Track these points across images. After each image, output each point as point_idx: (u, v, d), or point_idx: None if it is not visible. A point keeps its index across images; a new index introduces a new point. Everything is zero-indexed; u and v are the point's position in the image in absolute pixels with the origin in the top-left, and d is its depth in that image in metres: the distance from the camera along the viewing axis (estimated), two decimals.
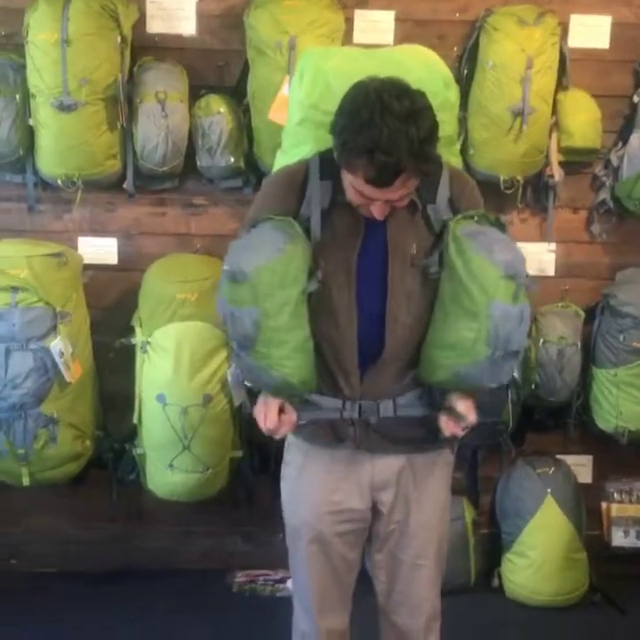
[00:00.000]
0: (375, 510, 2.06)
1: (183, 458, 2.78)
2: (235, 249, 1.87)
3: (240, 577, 3.19)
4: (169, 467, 2.79)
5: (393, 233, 1.92)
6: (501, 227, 1.89)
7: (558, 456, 3.24)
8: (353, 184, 1.81)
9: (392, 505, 2.04)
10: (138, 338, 2.82)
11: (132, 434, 2.90)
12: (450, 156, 2.04)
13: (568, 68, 2.97)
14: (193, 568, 3.21)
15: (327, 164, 1.90)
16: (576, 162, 3.09)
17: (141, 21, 2.90)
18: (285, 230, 1.85)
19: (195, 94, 2.89)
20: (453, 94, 2.08)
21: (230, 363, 2.72)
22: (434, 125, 1.76)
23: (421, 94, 1.78)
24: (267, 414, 1.91)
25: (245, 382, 1.96)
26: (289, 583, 3.04)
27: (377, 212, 1.84)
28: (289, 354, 1.86)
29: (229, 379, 2.73)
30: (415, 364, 1.98)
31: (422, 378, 1.97)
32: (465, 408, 1.92)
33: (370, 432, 1.99)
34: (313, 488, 2.05)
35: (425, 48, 2.14)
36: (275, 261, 1.81)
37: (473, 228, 1.87)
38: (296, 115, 2.09)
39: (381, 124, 1.70)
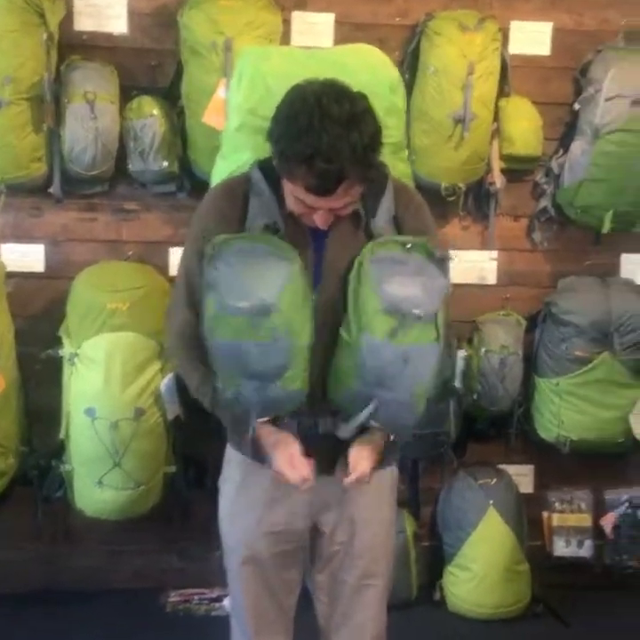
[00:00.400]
0: (316, 530, 1.98)
1: (113, 474, 2.66)
2: (233, 282, 1.73)
3: (174, 596, 3.07)
4: (98, 484, 2.67)
5: (330, 246, 1.83)
6: (438, 262, 1.78)
7: (500, 466, 3.21)
8: (294, 193, 1.72)
9: (335, 526, 1.97)
10: (65, 349, 2.69)
11: (59, 449, 2.77)
12: (398, 162, 1.98)
13: (509, 74, 2.94)
14: (124, 588, 3.08)
15: (269, 174, 1.81)
16: (517, 169, 3.05)
17: (69, 18, 2.78)
18: (271, 245, 1.75)
19: (126, 95, 2.78)
20: (400, 98, 2.01)
21: (164, 374, 2.66)
22: (377, 130, 1.68)
23: (363, 97, 1.69)
24: (298, 465, 1.80)
25: (258, 418, 1.82)
26: (226, 602, 2.95)
27: (320, 221, 1.75)
28: (308, 369, 1.79)
29: (163, 391, 2.67)
30: None
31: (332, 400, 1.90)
32: (355, 458, 1.83)
33: (310, 452, 1.91)
34: (250, 507, 1.97)
35: (372, 48, 2.06)
36: (290, 282, 1.72)
37: (392, 254, 1.77)
38: (234, 120, 2.00)
39: (320, 130, 1.61)
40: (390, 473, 2.05)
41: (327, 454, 1.90)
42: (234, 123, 2.01)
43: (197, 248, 1.80)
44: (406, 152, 2.13)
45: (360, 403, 1.80)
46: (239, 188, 1.85)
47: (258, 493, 1.95)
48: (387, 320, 1.73)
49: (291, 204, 1.76)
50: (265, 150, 1.86)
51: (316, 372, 1.83)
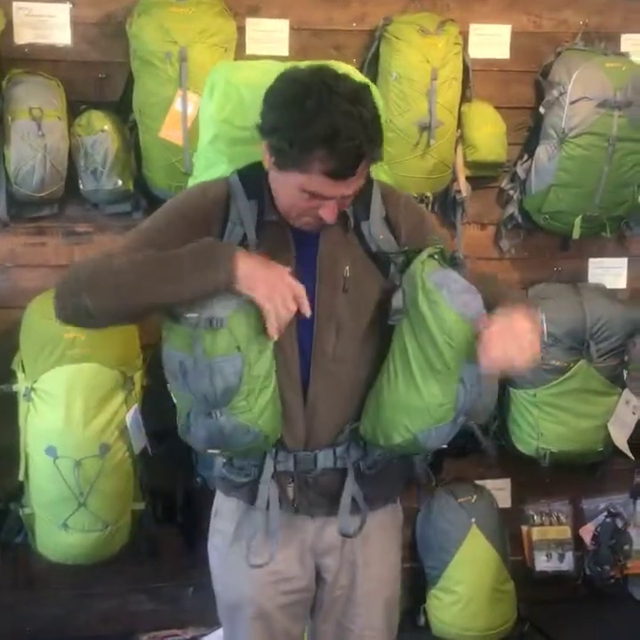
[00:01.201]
0: (319, 577, 1.86)
1: (79, 516, 2.49)
2: None
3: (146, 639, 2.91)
4: (63, 527, 2.49)
5: (323, 252, 1.73)
6: (458, 267, 1.68)
7: (477, 481, 3.12)
8: (305, 186, 1.61)
9: (337, 571, 1.84)
10: (20, 384, 2.51)
11: (18, 492, 2.57)
12: (380, 172, 1.89)
13: (471, 78, 2.86)
14: (92, 635, 2.92)
15: (249, 182, 1.72)
16: (482, 176, 2.98)
17: (8, 30, 2.60)
18: None
19: (74, 111, 2.61)
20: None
21: (128, 405, 2.50)
22: (376, 104, 1.64)
23: (352, 74, 1.68)
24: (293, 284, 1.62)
25: (209, 450, 1.70)
26: None
27: (329, 214, 1.65)
28: (267, 404, 1.66)
29: (129, 423, 2.51)
30: (354, 412, 1.78)
31: (370, 439, 1.76)
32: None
33: (309, 492, 1.78)
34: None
35: (342, 64, 1.94)
36: (249, 303, 1.59)
37: (439, 273, 1.65)
38: (207, 133, 1.91)
39: (333, 109, 1.54)
40: (394, 512, 1.94)
41: (328, 492, 1.78)
42: (206, 136, 1.93)
43: (173, 227, 1.69)
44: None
45: (448, 434, 1.68)
46: (220, 192, 1.75)
47: (258, 544, 1.79)
48: (474, 343, 1.60)
49: (292, 202, 1.66)
50: (241, 161, 1.81)
51: (318, 402, 1.72)
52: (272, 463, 1.76)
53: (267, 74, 1.82)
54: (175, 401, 1.75)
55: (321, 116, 1.54)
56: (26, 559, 2.75)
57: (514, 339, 1.55)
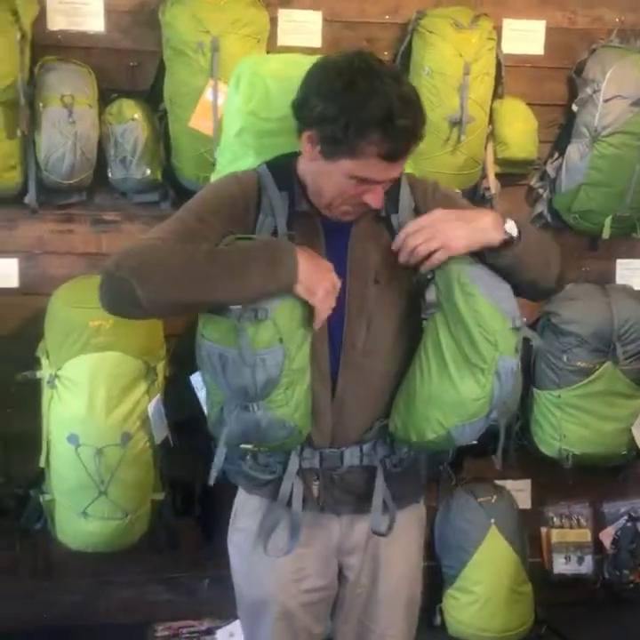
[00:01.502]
0: (341, 575, 1.85)
1: (99, 504, 2.48)
2: None
3: (162, 630, 2.90)
4: (83, 514, 2.49)
5: (355, 244, 1.71)
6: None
7: (497, 482, 3.09)
8: (354, 172, 1.60)
9: (360, 569, 1.83)
10: (44, 371, 2.50)
11: (38, 478, 2.58)
12: (406, 166, 1.85)
13: (504, 74, 2.83)
14: (110, 623, 2.92)
15: (279, 173, 1.71)
16: (512, 173, 2.95)
17: (42, 17, 2.59)
18: None
19: (105, 99, 2.60)
20: None
21: (151, 396, 2.50)
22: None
23: None
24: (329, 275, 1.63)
25: (242, 445, 1.68)
26: (218, 635, 2.82)
27: (376, 199, 1.64)
28: (303, 398, 1.65)
29: (151, 413, 2.51)
30: (382, 408, 1.76)
31: (401, 436, 1.74)
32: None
33: (334, 490, 1.77)
34: (273, 557, 1.80)
35: None
36: (292, 295, 1.59)
37: (474, 268, 1.65)
38: (234, 125, 1.88)
39: (385, 90, 1.54)
40: (418, 511, 1.92)
41: (354, 490, 1.77)
42: (232, 129, 1.90)
43: (213, 218, 1.65)
44: None
45: (480, 429, 1.68)
46: (251, 182, 1.73)
47: (280, 540, 1.79)
48: (513, 338, 1.62)
49: (336, 191, 1.64)
50: (269, 152, 1.80)
51: (346, 397, 1.71)
52: (297, 460, 1.74)
53: (293, 66, 1.83)
54: (201, 394, 1.74)
55: (375, 99, 1.53)
56: (45, 546, 2.76)
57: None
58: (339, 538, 1.83)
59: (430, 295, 1.67)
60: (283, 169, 1.73)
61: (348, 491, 1.79)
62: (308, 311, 1.61)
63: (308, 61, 1.82)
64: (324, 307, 1.61)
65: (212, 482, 1.73)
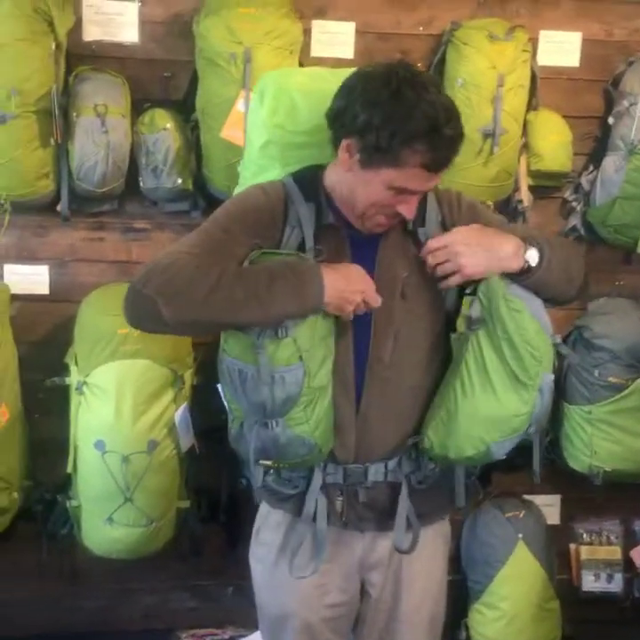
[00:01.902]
0: (363, 591, 1.84)
1: (125, 511, 2.49)
2: None
3: (185, 637, 2.91)
4: (108, 521, 2.51)
5: (382, 257, 1.71)
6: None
7: (525, 496, 3.06)
8: (394, 182, 1.60)
9: (382, 586, 1.82)
10: (73, 377, 2.52)
11: (65, 484, 2.60)
12: None
13: (538, 86, 2.80)
14: (133, 629, 2.93)
15: (305, 185, 1.70)
16: (545, 186, 2.92)
17: (77, 27, 2.61)
18: None
19: (137, 108, 2.62)
20: None
21: (177, 404, 2.51)
22: None
23: None
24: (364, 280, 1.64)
25: (262, 461, 1.68)
26: None
27: (410, 210, 1.65)
28: (323, 416, 1.64)
29: (177, 421, 2.52)
30: (408, 422, 1.75)
31: (437, 452, 1.73)
32: None
33: (358, 506, 1.76)
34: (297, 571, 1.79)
35: None
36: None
37: (514, 286, 1.66)
38: (259, 139, 1.88)
39: (432, 99, 1.56)
40: (443, 528, 1.90)
41: (377, 506, 1.76)
42: (257, 142, 1.90)
43: (240, 233, 1.65)
44: None
45: (514, 445, 1.68)
46: (278, 194, 1.72)
47: (304, 556, 1.78)
48: (552, 353, 1.66)
49: (371, 201, 1.65)
50: (295, 164, 1.80)
51: (371, 411, 1.70)
52: (321, 475, 1.74)
53: (317, 79, 1.86)
54: (228, 408, 1.74)
55: (421, 109, 1.54)
56: (71, 551, 2.77)
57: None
58: (361, 554, 1.82)
59: (475, 311, 1.67)
60: (309, 181, 1.74)
61: (371, 507, 1.79)
62: (332, 327, 1.61)
63: (331, 75, 1.84)
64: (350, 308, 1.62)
65: (258, 501, 1.77)
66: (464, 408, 1.68)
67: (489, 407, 1.66)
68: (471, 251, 1.64)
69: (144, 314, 1.55)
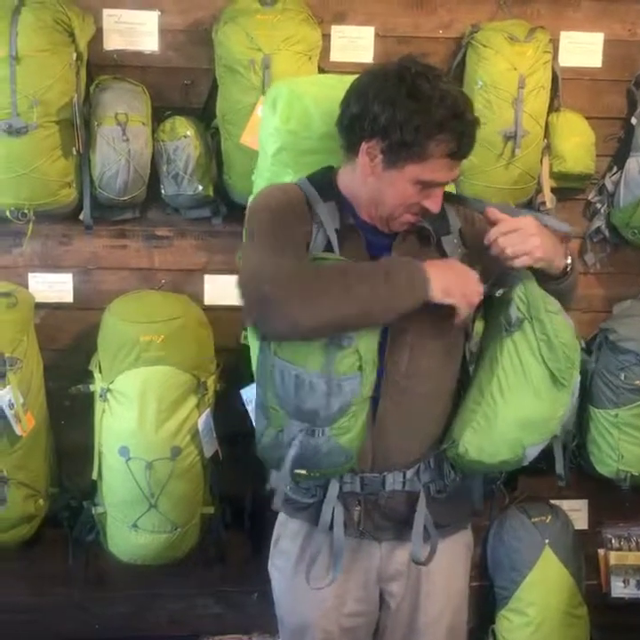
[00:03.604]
0: (382, 601, 1.82)
1: (149, 517, 2.51)
2: None
3: None
4: (133, 527, 2.52)
5: None
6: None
7: (552, 501, 3.03)
8: (420, 177, 1.62)
9: (402, 597, 1.81)
10: (97, 384, 2.54)
11: (91, 490, 2.62)
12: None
13: (560, 87, 2.78)
14: (159, 635, 2.94)
15: (322, 187, 1.71)
16: (568, 187, 2.89)
17: (98, 37, 2.63)
18: None
19: (158, 116, 2.63)
20: None
21: (200, 410, 2.51)
22: None
23: None
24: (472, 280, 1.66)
25: (296, 470, 1.65)
26: None
27: (436, 203, 1.66)
28: (362, 425, 1.64)
29: (200, 428, 2.52)
30: (424, 430, 1.74)
31: (473, 457, 1.71)
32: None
33: (375, 515, 1.75)
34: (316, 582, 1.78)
35: None
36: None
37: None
38: (271, 146, 1.89)
39: (447, 91, 1.60)
40: (464, 538, 1.88)
41: (394, 516, 1.75)
42: (270, 149, 1.92)
43: (289, 231, 1.66)
44: None
45: (532, 454, 1.70)
46: (299, 196, 1.72)
47: (321, 566, 1.76)
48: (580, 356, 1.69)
49: (399, 200, 1.66)
50: (307, 170, 1.80)
51: (387, 420, 1.69)
52: (337, 484, 1.73)
53: (326, 87, 1.89)
54: (250, 408, 1.73)
55: (440, 100, 1.57)
56: (97, 557, 2.79)
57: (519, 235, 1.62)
58: (379, 564, 1.81)
59: (514, 313, 1.66)
60: (325, 182, 1.74)
61: (388, 517, 1.77)
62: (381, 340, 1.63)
63: (338, 81, 1.86)
64: (464, 303, 1.64)
65: (275, 507, 1.73)
66: (503, 411, 1.67)
67: (532, 410, 1.65)
68: (542, 236, 1.62)
69: (281, 324, 1.54)
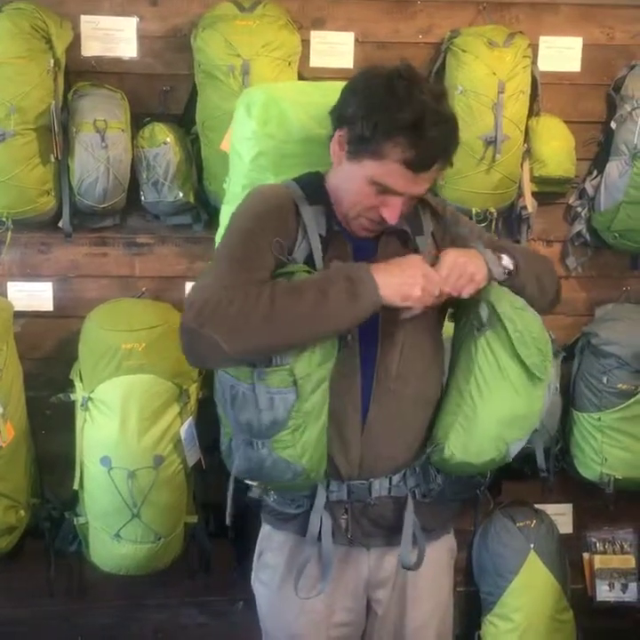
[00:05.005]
0: (369, 610, 1.81)
1: (132, 527, 2.48)
2: None
3: None
4: (115, 537, 2.50)
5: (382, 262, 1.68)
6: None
7: (537, 506, 3.03)
8: (375, 177, 1.59)
9: (388, 604, 1.80)
10: (78, 393, 2.52)
11: (73, 500, 2.59)
12: None
13: (540, 92, 2.78)
14: None
15: (310, 189, 1.69)
16: (549, 192, 2.90)
17: (76, 43, 2.62)
18: None
19: (137, 123, 2.62)
20: None
21: (183, 418, 2.49)
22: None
23: None
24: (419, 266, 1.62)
25: (248, 481, 1.66)
26: None
27: (392, 214, 1.62)
28: (314, 442, 1.60)
29: (183, 436, 2.50)
30: (413, 436, 1.73)
31: (460, 459, 1.70)
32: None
33: (363, 522, 1.74)
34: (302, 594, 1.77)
35: None
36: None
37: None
38: (249, 151, 1.89)
39: (422, 99, 1.55)
40: (448, 542, 1.88)
41: (382, 522, 1.73)
42: (248, 154, 1.91)
43: (262, 240, 1.61)
44: None
45: (514, 451, 1.69)
46: (284, 196, 1.70)
47: (310, 577, 1.75)
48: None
49: (355, 198, 1.63)
50: (288, 173, 1.78)
51: (376, 425, 1.68)
52: (324, 493, 1.71)
53: (300, 93, 1.89)
54: (221, 423, 1.73)
55: (410, 102, 1.55)
56: (79, 568, 2.77)
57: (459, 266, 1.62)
58: (368, 572, 1.79)
59: (485, 314, 1.66)
60: (314, 185, 1.72)
61: (377, 523, 1.76)
62: (334, 351, 1.59)
63: (314, 88, 1.86)
64: (424, 301, 1.60)
65: (228, 522, 1.75)
66: (484, 410, 1.67)
67: (511, 406, 1.66)
68: (470, 260, 1.64)
69: (208, 353, 1.52)
